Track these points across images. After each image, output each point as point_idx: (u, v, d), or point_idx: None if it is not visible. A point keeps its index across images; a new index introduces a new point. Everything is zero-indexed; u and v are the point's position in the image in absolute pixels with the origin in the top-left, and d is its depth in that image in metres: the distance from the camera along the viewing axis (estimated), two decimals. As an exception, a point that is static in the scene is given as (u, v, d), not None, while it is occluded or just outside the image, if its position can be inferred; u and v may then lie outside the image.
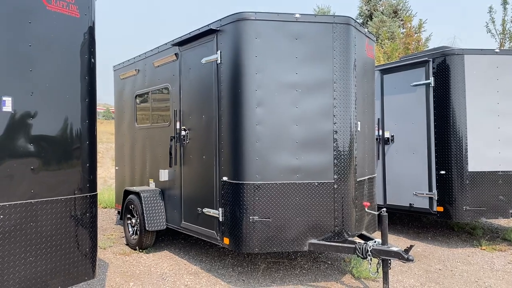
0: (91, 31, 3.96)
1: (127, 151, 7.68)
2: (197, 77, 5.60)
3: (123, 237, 7.35)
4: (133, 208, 6.64)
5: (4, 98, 3.27)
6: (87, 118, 3.90)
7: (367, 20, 22.13)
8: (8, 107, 3.29)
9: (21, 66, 3.40)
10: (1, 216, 3.25)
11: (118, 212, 7.97)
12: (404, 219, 8.91)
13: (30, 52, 3.46)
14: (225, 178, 5.06)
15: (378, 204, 6.41)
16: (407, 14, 20.69)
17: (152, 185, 6.76)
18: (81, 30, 3.87)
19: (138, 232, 6.51)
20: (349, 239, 5.05)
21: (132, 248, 6.67)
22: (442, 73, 6.88)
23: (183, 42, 5.82)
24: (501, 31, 14.80)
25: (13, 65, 3.35)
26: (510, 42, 14.57)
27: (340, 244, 4.87)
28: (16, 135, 3.36)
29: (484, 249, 6.73)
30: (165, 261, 6.07)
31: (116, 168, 8.14)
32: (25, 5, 3.44)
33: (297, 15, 4.91)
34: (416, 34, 18.58)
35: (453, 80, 6.77)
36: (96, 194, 4.03)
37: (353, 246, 4.75)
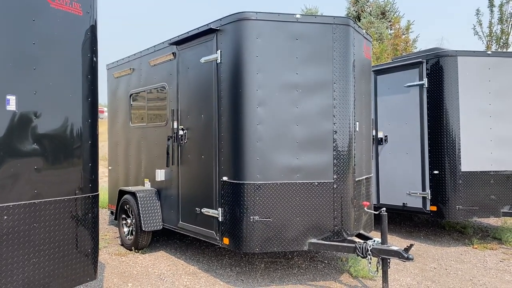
0: (93, 29, 3.92)
1: (121, 151, 7.61)
2: (196, 77, 5.57)
3: (117, 237, 7.28)
4: (129, 208, 6.58)
5: (8, 97, 3.21)
6: (90, 117, 3.86)
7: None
8: (12, 106, 3.23)
9: (25, 65, 3.35)
10: (5, 217, 3.19)
11: (112, 212, 7.89)
12: (395, 218, 9.00)
13: (34, 50, 3.40)
14: (225, 178, 5.05)
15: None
16: (395, 15, 20.88)
17: (147, 185, 6.71)
18: (84, 28, 3.82)
19: (133, 233, 6.45)
20: (348, 238, 5.10)
21: (127, 249, 6.61)
22: (435, 74, 6.98)
23: (181, 41, 5.79)
24: (488, 33, 15.07)
25: (17, 63, 3.30)
26: (497, 44, 14.84)
27: (340, 244, 4.90)
28: (20, 134, 3.31)
29: (476, 248, 6.85)
30: (162, 261, 6.03)
31: (109, 167, 8.05)
32: (29, 2, 3.38)
33: (298, 16, 4.93)
34: (404, 35, 18.78)
35: (446, 81, 6.87)
36: (98, 194, 3.99)
37: (353, 245, 4.79)
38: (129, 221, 6.67)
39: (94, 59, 3.93)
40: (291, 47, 4.92)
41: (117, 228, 7.66)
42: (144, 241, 6.41)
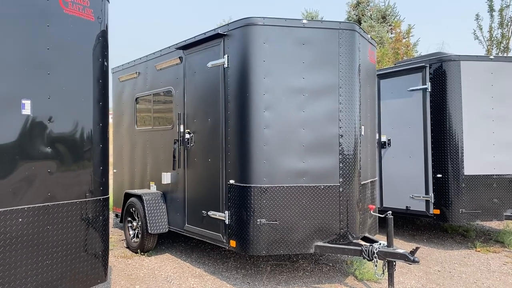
0: (104, 34, 3.98)
1: (126, 154, 7.66)
2: (202, 81, 5.63)
3: (122, 240, 7.32)
4: (135, 211, 6.63)
5: (23, 101, 3.27)
6: (101, 121, 3.92)
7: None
8: (27, 110, 3.29)
9: (40, 69, 3.41)
10: (20, 219, 3.24)
11: (116, 215, 7.93)
12: (398, 222, 9.04)
13: (48, 55, 3.46)
14: (232, 181, 5.10)
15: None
16: (396, 19, 20.98)
17: (153, 188, 6.76)
18: (95, 33, 3.89)
19: (139, 235, 6.49)
20: (354, 241, 5.15)
21: (133, 251, 6.65)
22: (438, 79, 7.05)
23: (188, 46, 5.85)
24: (488, 37, 15.15)
25: (32, 68, 3.36)
26: (497, 49, 14.93)
27: (346, 246, 4.95)
28: (35, 138, 3.36)
29: (479, 251, 6.89)
30: (168, 264, 6.07)
31: (114, 170, 8.09)
32: (44, 8, 3.44)
33: (304, 21, 4.99)
34: (404, 39, 18.87)
35: (449, 85, 6.94)
36: (108, 197, 4.04)
37: (359, 248, 4.84)
38: (135, 223, 6.71)
39: (105, 63, 3.99)
40: (298, 52, 4.98)
41: (122, 231, 7.72)
42: (150, 243, 6.46)
